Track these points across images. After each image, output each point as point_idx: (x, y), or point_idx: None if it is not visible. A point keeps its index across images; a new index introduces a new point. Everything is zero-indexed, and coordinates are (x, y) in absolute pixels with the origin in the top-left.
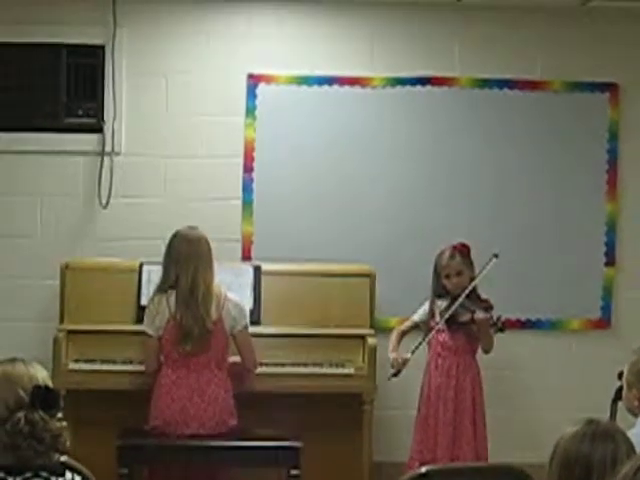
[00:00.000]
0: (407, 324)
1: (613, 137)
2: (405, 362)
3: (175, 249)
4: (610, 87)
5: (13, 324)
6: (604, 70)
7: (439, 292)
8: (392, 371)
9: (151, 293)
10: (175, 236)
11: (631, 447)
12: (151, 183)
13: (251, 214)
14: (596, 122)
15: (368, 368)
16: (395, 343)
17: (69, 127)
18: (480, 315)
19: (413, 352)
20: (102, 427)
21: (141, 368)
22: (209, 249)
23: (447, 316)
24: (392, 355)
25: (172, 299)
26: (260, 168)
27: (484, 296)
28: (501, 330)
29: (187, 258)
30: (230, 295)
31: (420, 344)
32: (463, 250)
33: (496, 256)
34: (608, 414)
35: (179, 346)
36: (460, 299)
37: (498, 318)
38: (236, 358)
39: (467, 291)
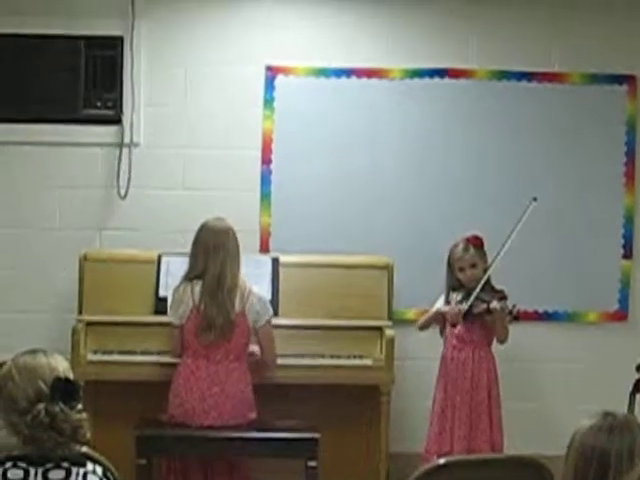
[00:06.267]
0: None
1: (631, 130)
2: (460, 312)
3: (204, 239)
4: (628, 79)
5: (32, 315)
6: (622, 62)
7: (453, 285)
8: (453, 321)
9: (169, 284)
10: (203, 226)
11: None
12: (169, 174)
13: (269, 206)
14: (614, 115)
15: (386, 360)
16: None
17: (88, 118)
18: (496, 305)
19: (465, 302)
20: (121, 418)
21: (160, 359)
22: (237, 241)
23: (475, 295)
24: (446, 308)
25: (197, 289)
26: (278, 160)
27: (499, 287)
28: (516, 319)
29: (216, 248)
30: (254, 289)
31: (470, 298)
32: (476, 242)
33: (535, 199)
34: (626, 407)
35: (201, 336)
36: (477, 289)
37: (513, 306)
38: (255, 348)
39: (486, 277)
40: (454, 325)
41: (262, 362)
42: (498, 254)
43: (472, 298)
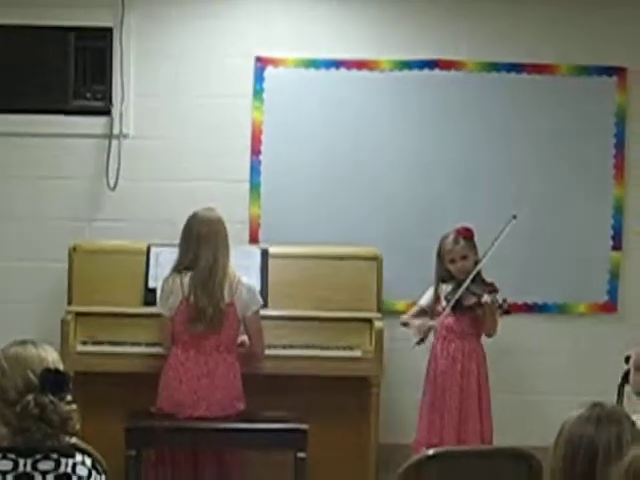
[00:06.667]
0: (414, 310)
1: (620, 121)
2: (431, 328)
3: (194, 230)
4: (618, 71)
5: (22, 306)
6: (612, 54)
7: (443, 276)
8: (417, 338)
9: (159, 275)
10: (193, 217)
11: (636, 431)
12: (159, 166)
13: (258, 197)
14: (604, 106)
15: (375, 351)
16: (413, 318)
17: (77, 110)
18: (487, 298)
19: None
20: (110, 409)
21: (149, 350)
22: (226, 231)
23: (458, 295)
24: (417, 322)
25: (186, 280)
26: (268, 151)
27: (489, 279)
28: (507, 312)
29: (207, 239)
30: (243, 279)
31: (443, 314)
32: (467, 234)
33: (514, 217)
34: (615, 398)
35: (190, 327)
36: (468, 280)
37: (504, 300)
38: (245, 338)
39: (473, 273)
40: (420, 342)
41: (251, 352)
42: (479, 262)
43: (459, 292)
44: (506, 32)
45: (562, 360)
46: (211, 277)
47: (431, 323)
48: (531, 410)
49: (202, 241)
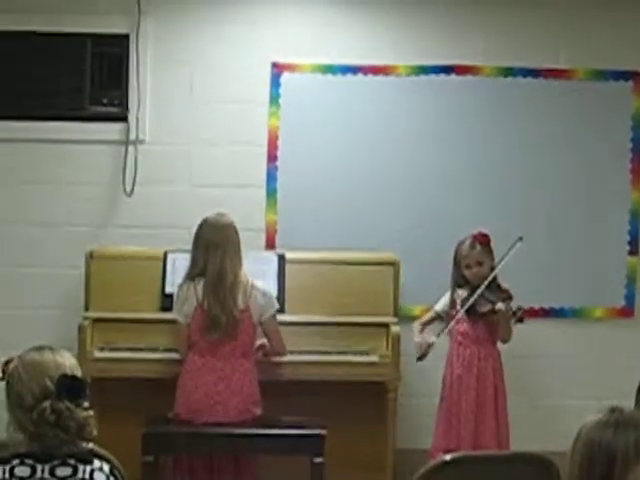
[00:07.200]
0: (429, 315)
1: (637, 125)
2: (430, 346)
3: (204, 236)
4: (634, 75)
5: (39, 312)
6: (628, 58)
7: (459, 282)
8: (418, 354)
9: (175, 281)
10: (204, 223)
11: None
12: (175, 171)
13: (275, 203)
14: (620, 110)
15: (392, 356)
16: (418, 332)
17: (94, 116)
18: (501, 306)
19: (438, 336)
20: (127, 415)
21: (166, 356)
22: (237, 236)
23: (467, 306)
24: (417, 339)
25: (200, 287)
26: (284, 157)
27: (506, 285)
28: (520, 321)
29: (216, 245)
30: (257, 283)
31: (444, 329)
32: (483, 240)
33: (520, 239)
34: (633, 403)
35: (206, 334)
36: (481, 288)
37: (518, 308)
38: (264, 340)
39: (488, 280)
40: (420, 359)
41: (273, 352)
42: (494, 269)
43: (473, 298)
44: (522, 37)
45: (579, 365)
46: (221, 283)
47: (431, 340)
48: (548, 415)
49: (211, 247)
